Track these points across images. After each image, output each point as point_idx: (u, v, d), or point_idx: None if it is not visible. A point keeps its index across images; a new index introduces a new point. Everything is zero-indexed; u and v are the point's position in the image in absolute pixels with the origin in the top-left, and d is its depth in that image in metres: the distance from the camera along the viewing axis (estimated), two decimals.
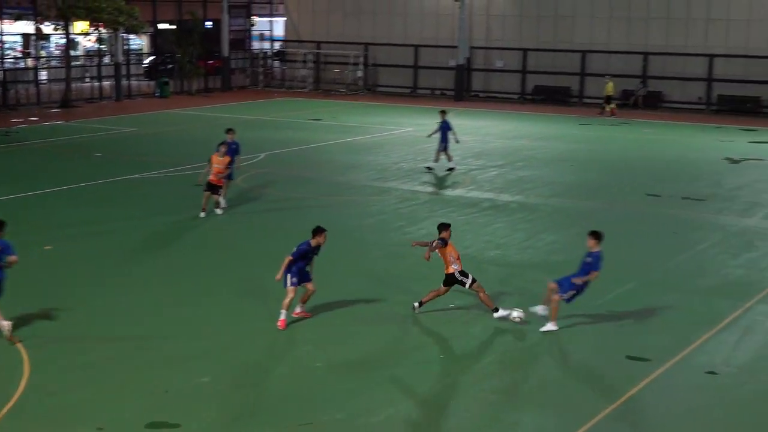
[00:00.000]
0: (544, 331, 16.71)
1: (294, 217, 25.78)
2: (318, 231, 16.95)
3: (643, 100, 55.78)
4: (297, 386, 14.32)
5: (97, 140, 39.37)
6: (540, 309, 17.14)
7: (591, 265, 16.63)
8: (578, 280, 16.72)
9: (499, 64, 60.51)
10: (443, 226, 17.56)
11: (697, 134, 44.77)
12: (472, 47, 60.50)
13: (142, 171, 32.16)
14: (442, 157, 33.08)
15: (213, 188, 25.70)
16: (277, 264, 17.00)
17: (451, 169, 32.78)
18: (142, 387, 14.11)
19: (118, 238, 23.17)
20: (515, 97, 59.60)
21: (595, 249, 16.69)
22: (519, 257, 22.06)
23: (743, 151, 38.51)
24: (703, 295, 19.09)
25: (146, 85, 61.84)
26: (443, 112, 33.68)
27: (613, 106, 51.37)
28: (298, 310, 17.41)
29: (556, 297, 16.83)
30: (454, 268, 17.26)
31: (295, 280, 16.83)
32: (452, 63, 60.37)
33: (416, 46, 62.63)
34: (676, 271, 21.01)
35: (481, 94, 60.92)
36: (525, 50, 59.26)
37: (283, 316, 16.87)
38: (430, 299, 17.67)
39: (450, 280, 17.35)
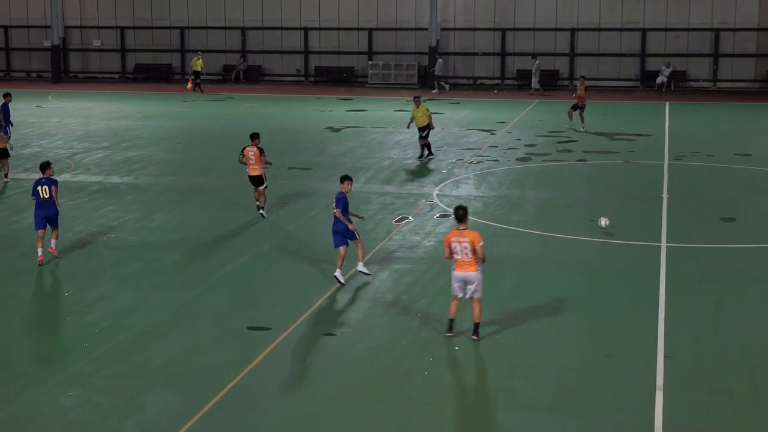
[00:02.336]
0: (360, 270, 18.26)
1: None
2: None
3: (243, 74, 56.61)
4: None
5: None
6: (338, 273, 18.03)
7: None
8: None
9: (96, 44, 58.94)
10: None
11: (298, 105, 46.14)
12: (67, 27, 58.44)
13: None
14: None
15: None
16: None
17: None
18: None
19: None
20: (116, 76, 58.38)
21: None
22: (134, 239, 21.61)
23: (342, 120, 40.20)
24: (316, 261, 19.71)
25: None
26: (7, 95, 31.34)
27: (190, 82, 51.14)
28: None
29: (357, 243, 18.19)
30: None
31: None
32: (47, 43, 57.98)
33: (6, 28, 59.45)
34: (290, 239, 21.53)
35: (80, 75, 59.17)
36: (122, 28, 58.11)
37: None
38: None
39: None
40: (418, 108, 31.28)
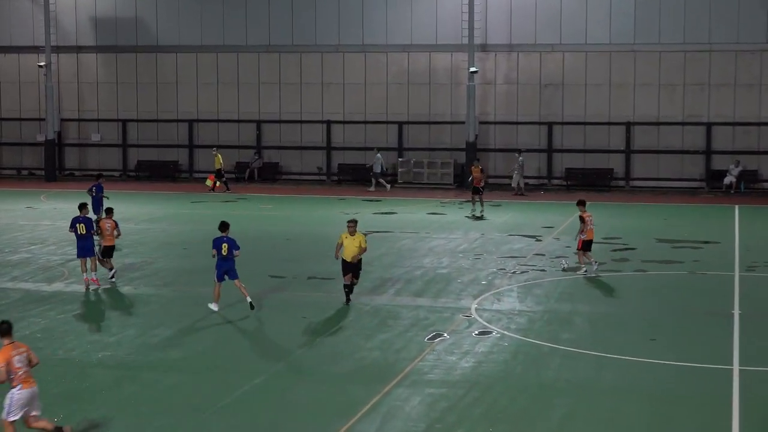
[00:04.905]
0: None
1: None
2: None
3: (258, 172, 57.21)
4: None
5: None
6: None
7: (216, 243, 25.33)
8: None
9: (95, 138, 59.87)
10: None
11: (319, 207, 46.44)
12: (63, 119, 59.48)
13: None
14: None
15: None
16: None
17: None
18: None
19: None
20: (117, 174, 59.07)
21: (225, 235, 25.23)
22: (132, 357, 21.60)
23: (369, 224, 40.32)
24: (338, 383, 19.58)
25: None
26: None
27: (210, 179, 52.29)
28: None
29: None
30: None
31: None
32: (40, 138, 58.95)
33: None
34: (307, 358, 21.44)
35: (76, 173, 59.91)
36: (124, 121, 59.09)
37: None
38: None
39: None
40: (352, 237, 26.19)
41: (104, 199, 37.34)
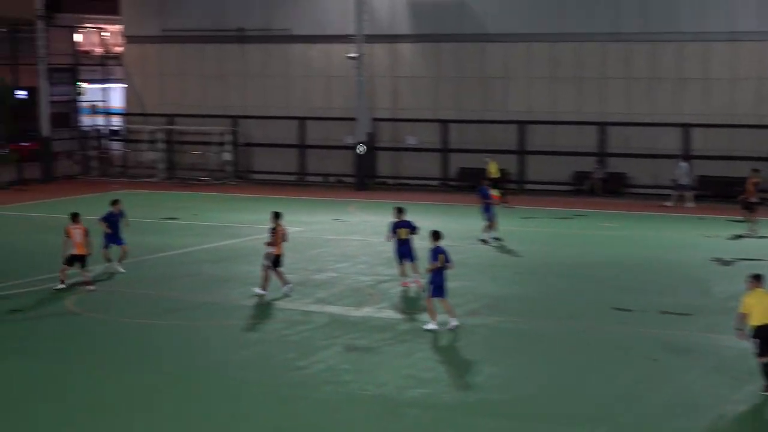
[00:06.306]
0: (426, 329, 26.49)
1: (139, 349, 25.47)
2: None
3: (602, 184, 56.80)
4: None
5: None
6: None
7: (434, 255, 27.01)
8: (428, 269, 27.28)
9: (411, 141, 60.85)
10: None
11: (673, 228, 45.57)
12: (375, 119, 60.83)
13: None
14: None
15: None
16: None
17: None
18: None
19: None
20: (435, 183, 59.89)
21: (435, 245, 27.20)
22: (449, 396, 21.94)
23: (736, 250, 39.26)
24: None
25: None
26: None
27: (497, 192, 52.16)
28: None
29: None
30: None
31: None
32: (349, 140, 60.54)
33: (302, 119, 62.92)
34: (657, 411, 21.11)
35: (389, 181, 61.06)
36: (444, 121, 59.84)
37: None
38: None
39: None
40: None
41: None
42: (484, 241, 40.53)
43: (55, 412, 21.05)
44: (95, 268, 33.65)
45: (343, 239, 41.84)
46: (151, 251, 38.58)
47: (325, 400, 21.66)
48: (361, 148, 58.37)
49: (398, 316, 28.99)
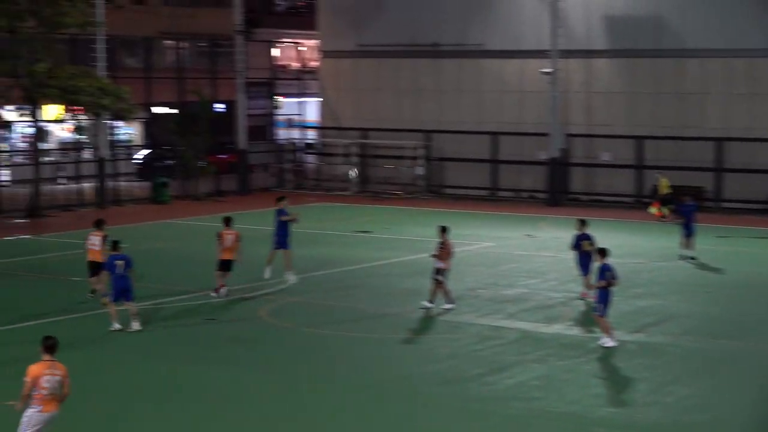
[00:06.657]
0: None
1: (331, 363, 25.90)
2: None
3: None
4: None
5: (72, 261, 39.59)
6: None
7: (602, 273, 27.01)
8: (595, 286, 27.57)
9: (605, 157, 60.52)
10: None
11: None
12: (569, 134, 60.67)
13: None
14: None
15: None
16: None
17: None
18: None
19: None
20: (630, 200, 59.38)
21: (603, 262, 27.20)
22: (641, 417, 21.78)
23: None
24: None
25: (139, 187, 62.80)
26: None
27: (662, 209, 51.61)
28: None
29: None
30: None
31: None
32: (542, 155, 60.52)
33: (494, 134, 63.03)
34: None
35: (582, 197, 60.79)
36: (639, 138, 59.31)
37: None
38: None
39: None
40: None
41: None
42: (685, 258, 40.20)
43: (255, 420, 21.57)
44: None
45: (534, 255, 41.78)
46: (341, 264, 39.14)
47: (515, 416, 21.77)
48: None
49: (588, 334, 28.85)
